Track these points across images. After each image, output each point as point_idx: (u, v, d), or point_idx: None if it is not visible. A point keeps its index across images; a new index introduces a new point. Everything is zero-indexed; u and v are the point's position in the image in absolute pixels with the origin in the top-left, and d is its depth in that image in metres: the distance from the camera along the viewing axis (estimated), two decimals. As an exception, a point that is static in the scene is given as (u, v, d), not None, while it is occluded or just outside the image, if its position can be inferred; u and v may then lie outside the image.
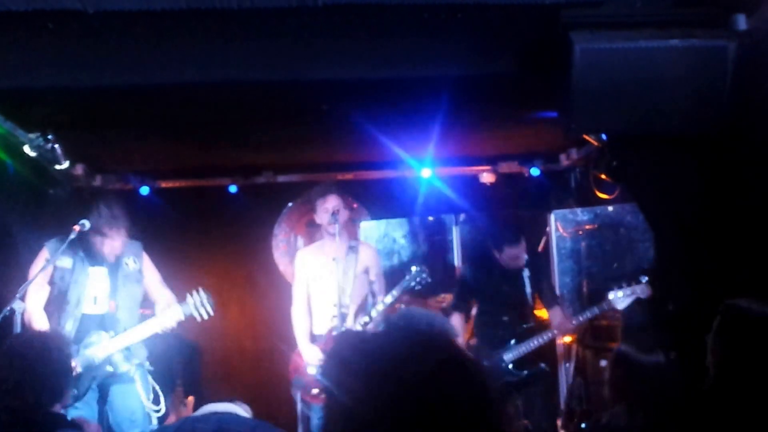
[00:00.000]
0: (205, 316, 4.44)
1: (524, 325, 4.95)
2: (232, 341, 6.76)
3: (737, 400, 2.35)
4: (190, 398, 5.98)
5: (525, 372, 4.84)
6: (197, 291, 4.42)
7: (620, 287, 4.73)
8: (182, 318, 4.40)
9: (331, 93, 4.28)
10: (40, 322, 4.29)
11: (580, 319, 4.81)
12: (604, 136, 4.63)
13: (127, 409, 4.39)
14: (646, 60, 3.66)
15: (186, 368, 6.01)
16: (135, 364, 4.41)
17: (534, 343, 4.83)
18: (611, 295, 4.70)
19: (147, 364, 4.52)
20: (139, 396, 4.40)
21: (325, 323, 4.75)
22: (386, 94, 4.39)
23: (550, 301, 5.03)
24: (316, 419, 4.78)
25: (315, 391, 4.69)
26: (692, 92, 3.74)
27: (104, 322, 4.39)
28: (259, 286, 6.82)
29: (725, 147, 3.98)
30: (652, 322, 4.56)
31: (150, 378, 4.54)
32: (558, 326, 4.86)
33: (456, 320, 5.03)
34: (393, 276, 5.39)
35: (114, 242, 4.41)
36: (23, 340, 2.53)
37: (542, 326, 5.06)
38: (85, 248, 4.40)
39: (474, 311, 5.24)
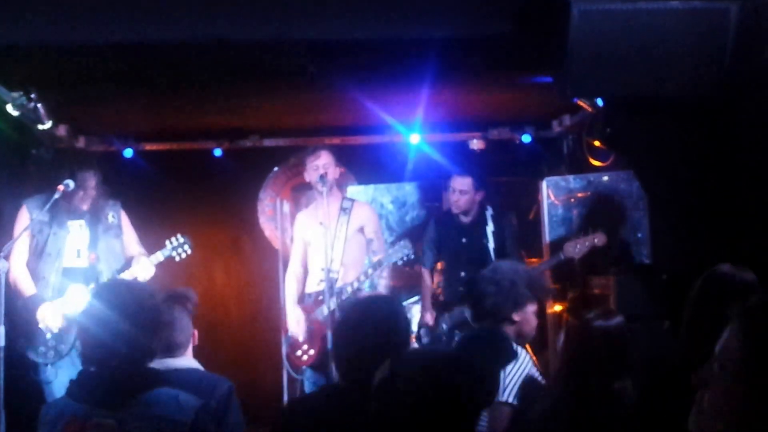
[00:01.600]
0: (183, 256, 4.56)
1: None
2: (218, 306, 6.71)
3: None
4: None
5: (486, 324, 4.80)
6: (175, 236, 4.56)
7: (577, 237, 4.80)
8: (161, 260, 4.49)
9: (318, 53, 4.19)
10: (23, 280, 4.32)
11: (540, 269, 4.82)
12: (599, 102, 4.55)
13: None
14: (646, 22, 3.59)
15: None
16: None
17: None
18: (567, 246, 4.76)
19: None
20: None
21: (314, 286, 4.71)
22: (374, 55, 4.31)
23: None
24: (308, 382, 4.79)
25: (299, 352, 4.66)
26: (692, 55, 3.68)
27: (87, 275, 4.40)
28: (245, 251, 6.76)
29: (724, 112, 3.94)
30: (645, 291, 4.52)
31: None
32: None
33: (423, 275, 5.16)
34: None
35: (87, 189, 4.44)
36: (117, 292, 2.41)
37: None
38: (63, 203, 4.41)
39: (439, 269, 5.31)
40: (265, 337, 6.02)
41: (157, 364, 3.09)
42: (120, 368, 2.26)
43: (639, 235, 5.07)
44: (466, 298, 4.70)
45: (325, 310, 4.40)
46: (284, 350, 4.89)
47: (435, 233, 5.21)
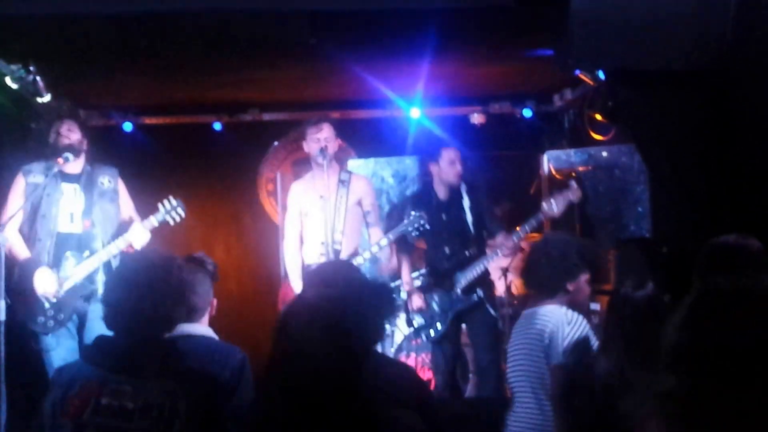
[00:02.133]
0: (177, 219, 4.48)
1: (467, 253, 4.91)
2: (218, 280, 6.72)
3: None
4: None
5: (473, 297, 4.82)
6: (167, 200, 4.47)
7: (552, 194, 4.78)
8: (156, 225, 4.42)
9: (319, 25, 4.16)
10: (16, 244, 4.27)
11: (520, 234, 4.78)
12: (600, 75, 4.53)
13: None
14: (648, -7, 3.56)
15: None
16: None
17: (478, 268, 4.81)
18: (544, 205, 4.75)
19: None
20: None
21: (314, 258, 4.71)
22: (375, 26, 4.30)
23: (494, 229, 4.98)
24: None
25: None
26: (694, 27, 3.66)
27: (81, 241, 4.36)
28: (245, 225, 6.76)
29: (726, 84, 3.91)
30: (645, 265, 4.53)
31: None
32: (498, 244, 4.82)
33: (405, 262, 5.05)
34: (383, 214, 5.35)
35: (71, 132, 4.38)
36: (145, 261, 2.42)
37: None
38: (56, 166, 4.34)
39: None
40: (264, 310, 6.03)
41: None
42: (141, 336, 2.26)
43: (639, 209, 5.06)
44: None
45: None
46: None
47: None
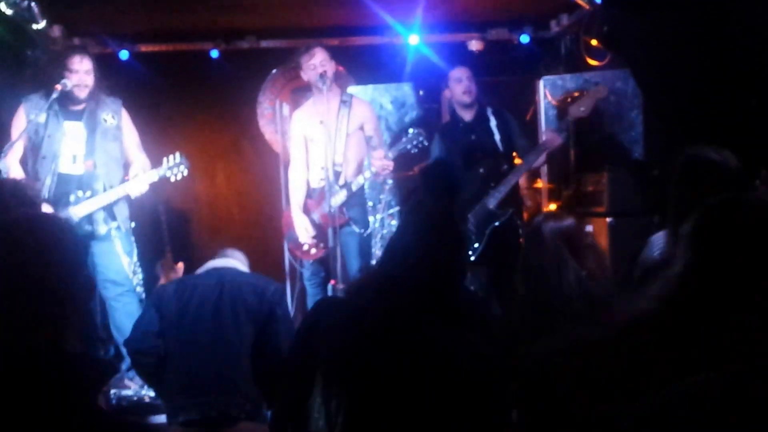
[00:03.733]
0: (179, 177, 4.52)
1: (498, 170, 4.93)
2: (220, 209, 6.81)
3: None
4: (180, 264, 6.06)
5: (508, 212, 4.84)
6: (173, 155, 4.51)
7: (578, 97, 4.75)
8: (155, 179, 4.45)
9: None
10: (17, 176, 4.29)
11: (563, 132, 4.80)
12: (597, -1, 4.51)
13: (109, 269, 4.47)
14: None
15: (175, 235, 6.06)
16: (114, 227, 4.46)
17: (510, 182, 4.84)
18: (572, 108, 4.72)
19: (130, 224, 4.58)
20: (118, 256, 4.48)
21: (317, 182, 4.78)
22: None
23: (524, 146, 5.03)
24: (308, 273, 4.94)
25: (305, 246, 4.77)
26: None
27: (82, 182, 4.38)
28: (245, 154, 6.79)
29: (721, 7, 3.90)
30: (637, 187, 4.60)
31: (132, 239, 4.62)
32: (547, 140, 4.81)
33: None
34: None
35: (79, 72, 4.33)
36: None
37: None
38: (60, 101, 4.34)
39: None
40: (267, 238, 6.13)
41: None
42: None
43: (633, 133, 5.11)
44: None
45: (329, 203, 4.44)
46: (286, 245, 5.01)
47: (441, 144, 5.12)
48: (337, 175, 4.64)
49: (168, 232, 5.94)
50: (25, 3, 4.49)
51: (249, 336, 3.26)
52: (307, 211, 4.80)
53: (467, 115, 5.07)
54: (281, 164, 6.00)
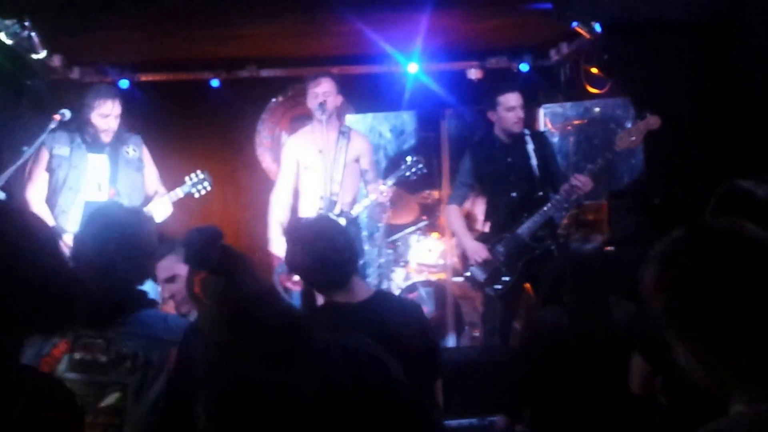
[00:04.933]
0: (203, 192, 4.61)
1: (534, 197, 4.64)
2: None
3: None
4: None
5: (547, 242, 4.56)
6: (195, 172, 4.61)
7: (623, 128, 4.43)
8: (181, 197, 4.53)
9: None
10: (41, 215, 4.29)
11: (594, 169, 4.40)
12: (597, 28, 4.52)
13: None
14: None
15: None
16: None
17: (547, 213, 4.54)
18: (617, 139, 4.33)
19: None
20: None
21: (312, 212, 4.75)
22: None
23: (559, 175, 4.73)
24: (298, 303, 4.87)
25: (296, 277, 4.73)
26: (691, -22, 3.66)
27: None
28: (243, 182, 6.78)
29: (720, 36, 3.92)
30: (637, 217, 4.58)
31: None
32: (578, 184, 4.38)
33: (453, 212, 4.89)
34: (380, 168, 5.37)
35: (108, 117, 4.40)
36: (112, 214, 2.39)
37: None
38: (82, 134, 4.43)
39: (481, 201, 5.06)
40: (262, 267, 6.09)
41: None
42: (112, 290, 2.24)
43: (633, 161, 5.10)
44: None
45: None
46: (276, 277, 4.97)
47: (472, 162, 4.86)
48: (333, 204, 4.62)
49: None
50: (26, 33, 4.50)
51: None
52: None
53: (505, 137, 4.80)
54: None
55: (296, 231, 2.78)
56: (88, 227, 2.35)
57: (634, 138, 4.31)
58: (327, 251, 2.60)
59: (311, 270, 2.66)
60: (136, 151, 4.60)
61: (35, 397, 1.45)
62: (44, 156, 4.40)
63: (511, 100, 4.68)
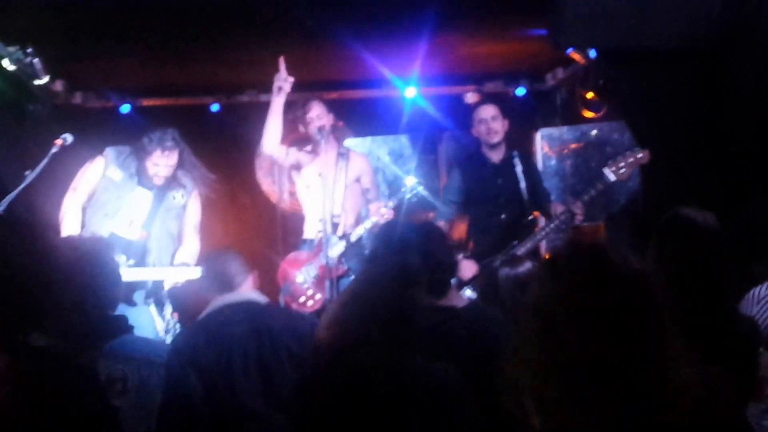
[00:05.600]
0: None
1: (523, 220, 4.68)
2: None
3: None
4: (176, 315, 6.03)
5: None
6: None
7: (614, 159, 4.42)
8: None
9: (315, 5, 4.21)
10: (71, 221, 4.26)
11: (585, 198, 4.43)
12: (592, 53, 4.59)
13: (144, 333, 4.37)
14: (638, -28, 3.62)
15: (173, 287, 6.03)
16: (151, 302, 4.39)
17: (537, 237, 4.56)
18: (607, 169, 4.39)
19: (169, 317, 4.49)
20: (153, 320, 4.37)
21: (314, 233, 4.78)
22: (371, 7, 4.33)
23: (546, 199, 4.80)
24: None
25: (302, 298, 4.75)
26: (684, 6, 3.73)
27: (130, 249, 4.32)
28: (243, 205, 6.82)
29: (714, 62, 3.98)
30: (633, 240, 4.61)
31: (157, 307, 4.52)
32: (566, 209, 4.45)
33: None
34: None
35: (159, 165, 4.34)
36: (76, 246, 2.44)
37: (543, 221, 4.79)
38: (138, 167, 4.37)
39: (466, 219, 4.99)
40: (263, 289, 6.09)
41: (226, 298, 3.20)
42: (87, 316, 2.29)
43: (630, 184, 5.14)
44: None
45: (327, 254, 4.41)
46: (282, 300, 4.97)
47: (460, 182, 4.89)
48: (335, 226, 4.66)
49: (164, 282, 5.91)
50: (29, 59, 4.54)
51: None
52: (305, 262, 4.79)
53: (494, 156, 4.84)
54: (278, 216, 6.02)
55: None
56: (52, 268, 2.34)
57: (624, 170, 4.36)
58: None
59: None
60: (184, 197, 4.51)
61: None
62: (99, 170, 4.33)
63: (482, 112, 4.77)
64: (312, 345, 2.20)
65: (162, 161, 4.35)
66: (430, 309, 2.36)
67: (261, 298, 3.36)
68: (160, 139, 4.31)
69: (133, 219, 4.37)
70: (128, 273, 4.14)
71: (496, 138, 4.77)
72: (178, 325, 4.41)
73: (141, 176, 4.39)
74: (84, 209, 4.36)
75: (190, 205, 4.58)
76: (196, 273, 4.15)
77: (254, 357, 3.01)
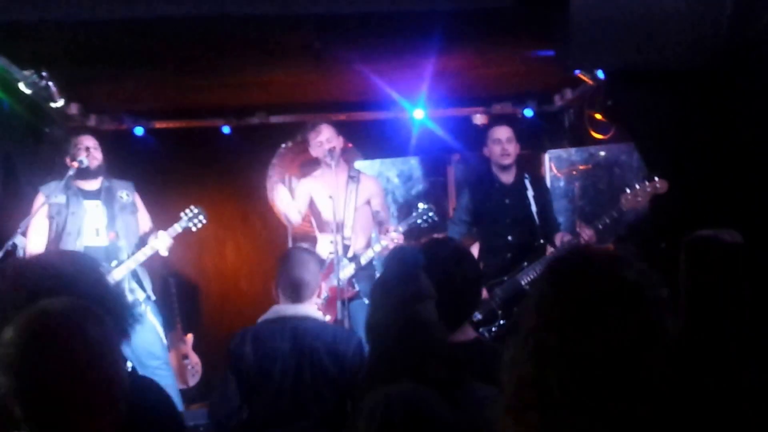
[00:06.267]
0: (199, 226, 4.69)
1: (535, 243, 4.70)
2: (229, 281, 6.83)
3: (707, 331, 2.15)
4: (189, 335, 6.06)
5: None
6: (189, 208, 4.70)
7: (631, 188, 4.39)
8: (179, 231, 4.62)
9: (324, 29, 4.25)
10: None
11: (599, 226, 4.44)
12: (600, 75, 4.62)
13: (146, 341, 4.53)
14: (646, -8, 3.65)
15: (184, 307, 6.09)
16: (143, 298, 4.60)
17: (545, 261, 4.55)
18: (623, 199, 4.37)
19: (152, 295, 4.68)
20: (153, 327, 4.61)
21: (325, 255, 4.80)
22: (379, 30, 4.37)
23: (556, 224, 4.82)
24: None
25: None
26: (691, 26, 3.74)
27: (109, 253, 4.53)
28: (255, 227, 6.86)
29: (723, 84, 3.99)
30: (644, 261, 4.60)
31: (155, 307, 4.76)
32: (586, 238, 4.42)
33: None
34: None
35: (90, 149, 4.59)
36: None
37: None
38: (75, 184, 4.58)
39: (477, 242, 5.03)
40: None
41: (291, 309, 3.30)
42: None
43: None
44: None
45: (338, 276, 4.43)
46: None
47: (470, 202, 4.89)
48: (345, 248, 4.68)
49: (178, 304, 5.96)
50: (44, 83, 4.62)
51: (330, 406, 3.13)
52: None
53: (505, 178, 4.85)
54: (289, 237, 6.06)
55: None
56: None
57: (640, 199, 4.36)
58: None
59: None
60: (129, 196, 4.74)
61: None
62: (42, 206, 4.47)
63: (498, 132, 4.79)
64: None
65: (86, 142, 4.60)
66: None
67: (318, 315, 3.41)
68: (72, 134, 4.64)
69: (98, 227, 4.59)
70: (118, 271, 4.46)
71: (509, 160, 4.80)
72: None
73: (83, 191, 4.61)
74: (48, 242, 4.52)
75: (138, 202, 4.82)
76: (175, 230, 4.60)
77: (291, 375, 3.13)
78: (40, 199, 4.51)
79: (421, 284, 2.23)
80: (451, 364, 2.05)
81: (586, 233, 4.43)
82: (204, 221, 4.72)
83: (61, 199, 4.51)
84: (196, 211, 4.70)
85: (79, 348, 1.56)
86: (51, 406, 1.53)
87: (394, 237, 4.59)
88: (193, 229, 4.69)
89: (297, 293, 3.31)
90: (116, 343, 1.69)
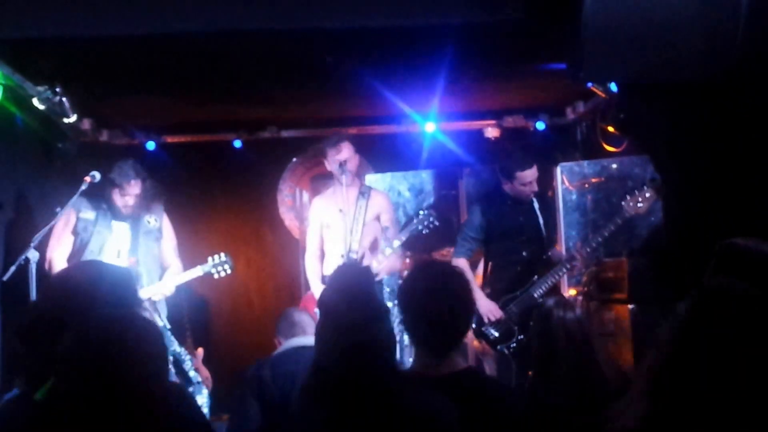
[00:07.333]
0: (222, 275, 4.74)
1: (543, 257, 4.78)
2: (240, 295, 6.82)
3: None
4: (200, 350, 6.04)
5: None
6: (218, 254, 4.74)
7: (631, 194, 4.48)
8: (200, 275, 4.68)
9: (335, 44, 4.26)
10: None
11: (599, 239, 4.56)
12: (613, 87, 4.60)
13: None
14: (658, 5, 3.63)
15: (195, 322, 6.07)
16: (162, 325, 4.56)
17: (558, 275, 4.66)
18: (626, 204, 4.46)
19: (167, 322, 4.65)
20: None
21: (334, 268, 4.80)
22: (390, 44, 4.38)
23: (554, 237, 4.94)
24: None
25: None
26: (704, 37, 3.71)
27: None
28: (265, 240, 6.87)
29: (736, 95, 3.96)
30: (657, 275, 4.57)
31: (170, 335, 4.67)
32: (578, 259, 4.56)
33: (462, 267, 4.89)
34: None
35: (127, 196, 4.58)
36: None
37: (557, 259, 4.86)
38: (108, 202, 4.61)
39: (486, 256, 5.05)
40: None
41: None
42: None
43: (652, 218, 5.11)
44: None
45: None
46: None
47: (482, 219, 4.95)
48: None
49: (188, 318, 5.95)
50: (57, 98, 4.65)
51: None
52: None
53: (515, 194, 4.92)
54: (300, 250, 6.05)
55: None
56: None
57: (641, 203, 4.41)
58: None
59: None
60: (157, 221, 4.76)
61: None
62: (72, 218, 4.55)
63: (528, 176, 4.81)
64: None
65: (129, 190, 4.58)
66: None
67: None
68: (126, 170, 4.57)
69: (120, 249, 4.61)
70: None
71: (530, 197, 4.89)
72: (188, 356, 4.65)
73: (112, 211, 4.62)
74: (70, 256, 4.56)
75: (165, 227, 4.82)
76: (196, 272, 4.65)
77: None
78: (71, 213, 4.54)
79: (367, 306, 2.12)
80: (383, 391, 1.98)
81: (581, 256, 4.58)
82: (229, 271, 4.74)
83: (90, 215, 4.56)
84: (224, 258, 4.72)
85: (136, 358, 1.61)
86: (95, 413, 1.58)
87: (396, 245, 4.65)
88: (216, 276, 4.72)
89: (303, 329, 3.51)
90: (166, 354, 1.74)
